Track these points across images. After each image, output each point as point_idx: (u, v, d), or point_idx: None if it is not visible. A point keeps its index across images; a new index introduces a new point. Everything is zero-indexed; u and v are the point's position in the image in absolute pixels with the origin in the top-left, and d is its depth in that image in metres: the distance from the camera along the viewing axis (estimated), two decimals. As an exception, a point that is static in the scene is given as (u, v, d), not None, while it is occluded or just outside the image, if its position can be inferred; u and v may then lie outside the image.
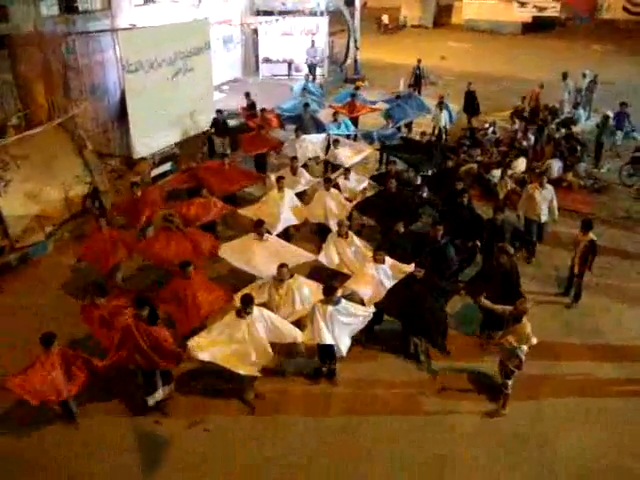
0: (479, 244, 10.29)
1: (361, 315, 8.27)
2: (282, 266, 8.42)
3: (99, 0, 15.46)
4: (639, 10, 36.87)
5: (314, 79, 22.16)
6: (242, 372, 7.48)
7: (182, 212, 10.70)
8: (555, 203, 11.37)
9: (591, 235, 9.84)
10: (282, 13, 22.67)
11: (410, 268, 8.90)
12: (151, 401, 7.68)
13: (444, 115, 17.09)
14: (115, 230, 10.27)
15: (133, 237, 10.60)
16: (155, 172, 14.55)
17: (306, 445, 7.47)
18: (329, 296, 7.89)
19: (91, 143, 13.37)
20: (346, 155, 13.76)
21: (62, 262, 11.20)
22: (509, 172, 14.05)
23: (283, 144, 14.64)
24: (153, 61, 13.86)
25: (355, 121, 17.09)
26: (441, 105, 17.15)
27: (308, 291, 8.58)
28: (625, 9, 37.30)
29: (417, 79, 21.68)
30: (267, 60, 23.49)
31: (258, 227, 9.59)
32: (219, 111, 15.48)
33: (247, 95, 17.21)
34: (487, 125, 17.24)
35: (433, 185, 12.74)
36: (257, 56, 23.72)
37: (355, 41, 24.59)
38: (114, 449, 7.34)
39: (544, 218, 11.34)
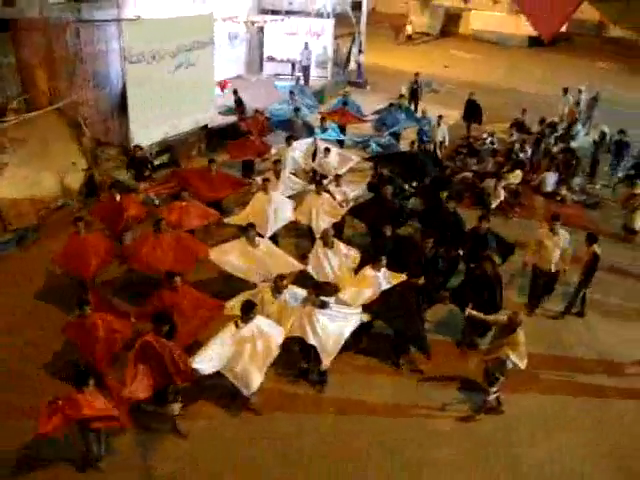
0: (461, 253, 10.32)
1: (349, 314, 8.34)
2: (281, 278, 8.29)
3: (106, -11, 15.52)
4: (646, 30, 37.06)
5: (307, 82, 22.27)
6: (255, 386, 7.48)
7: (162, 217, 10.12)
8: (570, 252, 10.06)
9: (595, 248, 9.93)
10: (288, 13, 22.74)
11: (402, 277, 9.02)
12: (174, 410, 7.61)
13: (441, 130, 16.90)
14: (94, 234, 9.83)
15: (112, 242, 10.13)
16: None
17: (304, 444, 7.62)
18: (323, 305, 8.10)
19: (90, 131, 13.50)
20: (334, 165, 13.49)
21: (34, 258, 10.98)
22: (503, 183, 14.19)
23: (270, 149, 14.38)
24: (156, 53, 13.93)
25: (343, 128, 16.80)
26: (439, 121, 16.94)
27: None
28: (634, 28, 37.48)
29: (414, 93, 20.75)
30: (271, 59, 23.54)
31: (248, 231, 9.45)
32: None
33: (235, 92, 17.30)
34: (485, 135, 17.31)
35: (425, 194, 12.79)
36: (262, 54, 23.77)
37: (360, 44, 24.64)
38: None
39: (554, 268, 10.09)
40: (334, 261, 9.49)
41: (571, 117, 19.32)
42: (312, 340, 7.89)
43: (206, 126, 16.24)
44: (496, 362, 7.88)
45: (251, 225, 9.58)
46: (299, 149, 13.90)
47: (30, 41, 12.87)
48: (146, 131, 14.17)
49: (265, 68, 23.72)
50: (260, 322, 7.64)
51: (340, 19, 24.48)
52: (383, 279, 9.00)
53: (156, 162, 14.57)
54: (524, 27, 36.98)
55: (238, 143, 14.35)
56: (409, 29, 36.65)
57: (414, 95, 20.68)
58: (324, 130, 15.48)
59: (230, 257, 9.29)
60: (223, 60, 20.59)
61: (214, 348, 7.25)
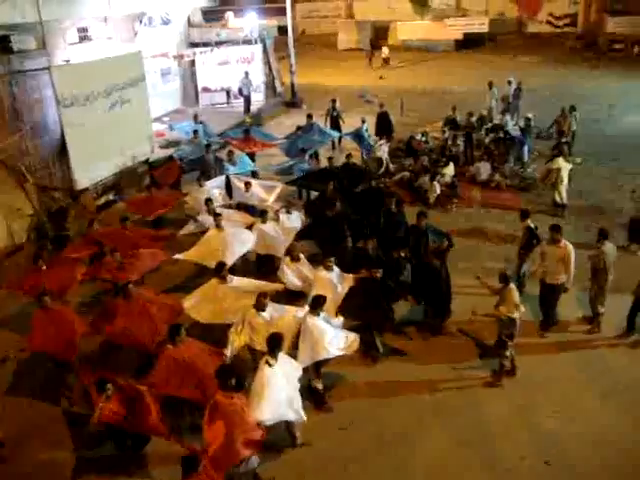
0: (403, 255, 10.35)
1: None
2: (261, 296, 8.12)
3: (34, 40, 15.79)
4: (561, 23, 39.15)
5: (248, 110, 22.77)
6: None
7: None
8: (572, 266, 9.37)
9: (528, 222, 10.62)
10: (218, 44, 23.35)
11: (351, 277, 9.27)
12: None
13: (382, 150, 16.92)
14: (60, 308, 8.81)
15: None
16: (99, 202, 14.94)
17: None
18: (316, 308, 7.96)
19: (34, 177, 13.70)
20: (261, 196, 12.90)
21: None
22: (438, 177, 14.93)
23: (176, 199, 13.35)
24: (88, 94, 14.28)
25: (252, 157, 16.12)
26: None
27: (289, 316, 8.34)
28: (549, 22, 39.51)
29: (333, 120, 19.49)
30: (206, 89, 24.12)
31: (220, 270, 8.92)
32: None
33: (195, 117, 17.83)
34: (419, 136, 18.06)
35: (358, 203, 12.58)
36: (196, 86, 24.33)
37: (291, 66, 25.37)
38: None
39: (560, 279, 9.50)
40: (304, 271, 9.65)
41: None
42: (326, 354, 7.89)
43: (147, 160, 16.53)
44: (499, 323, 8.51)
45: (222, 264, 9.11)
46: (216, 187, 13.24)
47: (-37, 95, 13.08)
48: (88, 172, 14.46)
49: (201, 99, 24.28)
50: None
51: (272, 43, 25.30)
52: (337, 280, 9.21)
53: (102, 200, 14.84)
54: (449, 32, 38.83)
55: (142, 200, 13.30)
56: (385, 52, 35.90)
57: (334, 122, 19.47)
58: (234, 164, 14.60)
59: (206, 305, 8.76)
60: (159, 95, 21.11)
61: (267, 395, 6.77)
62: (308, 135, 16.76)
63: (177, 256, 10.42)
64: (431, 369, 9.04)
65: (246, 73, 23.10)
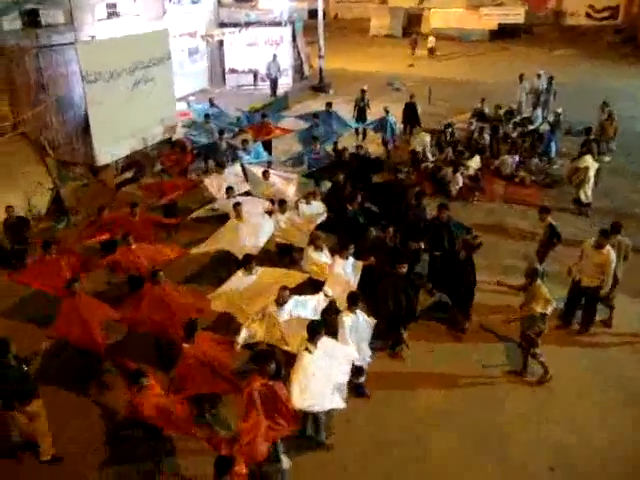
0: (422, 246, 10.33)
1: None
2: (284, 289, 7.97)
3: (62, 14, 15.85)
4: (600, 16, 38.09)
5: (274, 93, 22.65)
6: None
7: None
8: (611, 270, 9.06)
9: (549, 219, 10.41)
10: (247, 24, 23.20)
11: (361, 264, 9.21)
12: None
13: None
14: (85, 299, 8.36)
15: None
16: (119, 179, 15.03)
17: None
18: (353, 305, 7.73)
19: (56, 152, 13.80)
20: (280, 187, 12.52)
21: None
22: (461, 169, 14.66)
23: (201, 182, 13.07)
24: (112, 71, 14.25)
25: (269, 144, 15.86)
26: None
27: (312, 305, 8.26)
28: (588, 15, 38.49)
29: (361, 111, 18.91)
30: (233, 71, 24.02)
31: (247, 262, 8.76)
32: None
33: (210, 102, 17.44)
34: (444, 127, 17.76)
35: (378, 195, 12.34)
36: (223, 67, 24.24)
37: (319, 49, 25.13)
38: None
39: (595, 282, 9.23)
40: (325, 261, 9.46)
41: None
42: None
43: (170, 139, 16.53)
44: (527, 322, 8.26)
45: (249, 257, 8.97)
46: (235, 175, 12.97)
47: (-11, 70, 13.17)
48: (109, 148, 14.47)
49: (228, 80, 24.18)
50: (326, 341, 7.24)
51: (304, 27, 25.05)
52: (351, 271, 9.15)
53: (121, 178, 14.86)
54: (484, 22, 38.09)
55: (152, 185, 13.27)
56: (432, 41, 34.36)
57: (361, 114, 18.88)
58: (249, 153, 14.29)
59: (234, 300, 8.55)
60: (185, 75, 21.06)
61: (303, 381, 6.67)
62: (325, 125, 16.25)
63: (194, 251, 10.18)
64: (451, 365, 8.94)
65: (274, 56, 22.92)
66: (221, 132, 14.95)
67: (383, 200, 11.93)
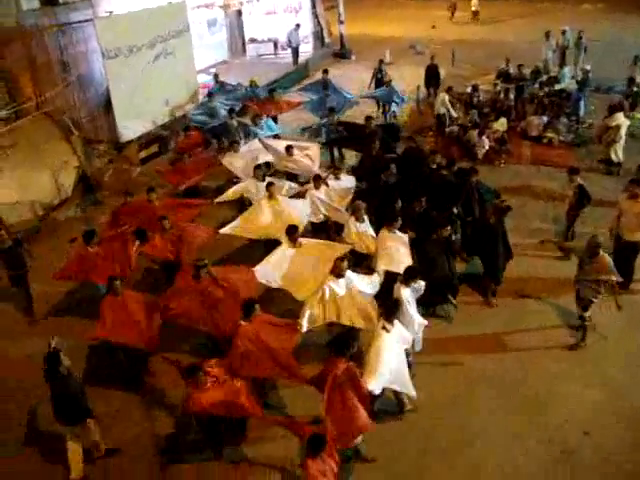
0: (455, 211, 10.21)
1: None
2: (341, 259, 7.74)
3: (79, -9, 15.79)
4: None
5: (296, 62, 22.35)
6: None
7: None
8: None
9: (578, 179, 10.17)
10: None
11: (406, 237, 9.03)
12: None
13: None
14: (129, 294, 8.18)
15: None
16: (144, 154, 15.07)
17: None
18: (411, 279, 7.50)
19: (79, 130, 13.87)
20: (305, 162, 12.12)
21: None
22: (487, 132, 14.39)
23: (218, 160, 12.52)
24: (132, 46, 14.27)
25: (274, 120, 15.22)
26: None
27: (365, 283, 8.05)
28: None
29: (378, 82, 17.82)
30: (253, 40, 23.75)
31: (291, 233, 8.59)
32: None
33: (215, 77, 16.87)
34: (469, 89, 17.38)
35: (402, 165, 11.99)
36: (243, 37, 23.99)
37: (339, 15, 24.71)
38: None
39: (633, 237, 9.14)
40: (370, 231, 9.34)
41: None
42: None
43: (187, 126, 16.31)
44: (589, 287, 8.10)
45: (293, 227, 8.79)
46: (250, 150, 12.56)
47: (10, 50, 13.21)
48: (132, 123, 14.51)
49: (248, 50, 23.94)
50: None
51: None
52: (400, 242, 8.92)
53: (145, 154, 14.92)
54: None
55: (176, 167, 12.64)
56: (475, 4, 31.97)
57: (378, 85, 17.77)
58: (262, 128, 13.85)
59: (280, 271, 8.40)
60: (205, 46, 20.92)
61: (382, 362, 6.55)
62: (334, 96, 15.79)
63: (224, 230, 9.65)
64: (486, 334, 8.85)
65: (297, 26, 22.54)
66: (231, 110, 14.35)
67: (407, 168, 11.62)
